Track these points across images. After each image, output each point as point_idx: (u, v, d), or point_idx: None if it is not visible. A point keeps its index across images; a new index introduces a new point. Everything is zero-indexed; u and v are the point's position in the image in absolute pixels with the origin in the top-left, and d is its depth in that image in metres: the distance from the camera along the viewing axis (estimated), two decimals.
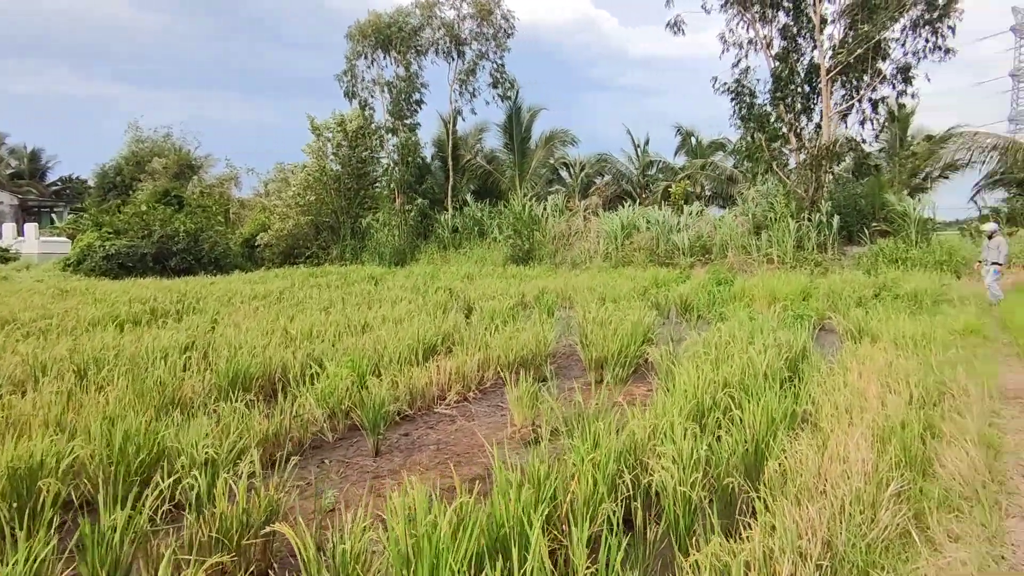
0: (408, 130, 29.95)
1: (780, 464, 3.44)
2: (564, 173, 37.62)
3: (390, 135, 30.34)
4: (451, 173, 29.84)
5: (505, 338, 7.29)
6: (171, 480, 3.07)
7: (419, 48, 29.81)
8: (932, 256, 15.25)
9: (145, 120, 55.13)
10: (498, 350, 6.97)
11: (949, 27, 18.44)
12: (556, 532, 2.93)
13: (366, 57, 31.02)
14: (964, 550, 2.87)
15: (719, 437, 3.72)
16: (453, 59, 29.38)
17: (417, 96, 30.33)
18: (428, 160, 32.58)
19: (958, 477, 3.60)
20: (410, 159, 29.31)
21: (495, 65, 29.20)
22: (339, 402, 5.20)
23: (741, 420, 3.89)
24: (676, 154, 36.20)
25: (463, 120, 31.21)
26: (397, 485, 3.37)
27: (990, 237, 11.81)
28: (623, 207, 23.39)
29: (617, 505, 3.02)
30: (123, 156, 38.47)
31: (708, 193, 32.51)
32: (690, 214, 21.30)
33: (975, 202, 21.98)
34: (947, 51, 18.83)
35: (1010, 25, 74.24)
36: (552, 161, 34.77)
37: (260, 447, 4.03)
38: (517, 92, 29.48)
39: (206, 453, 3.52)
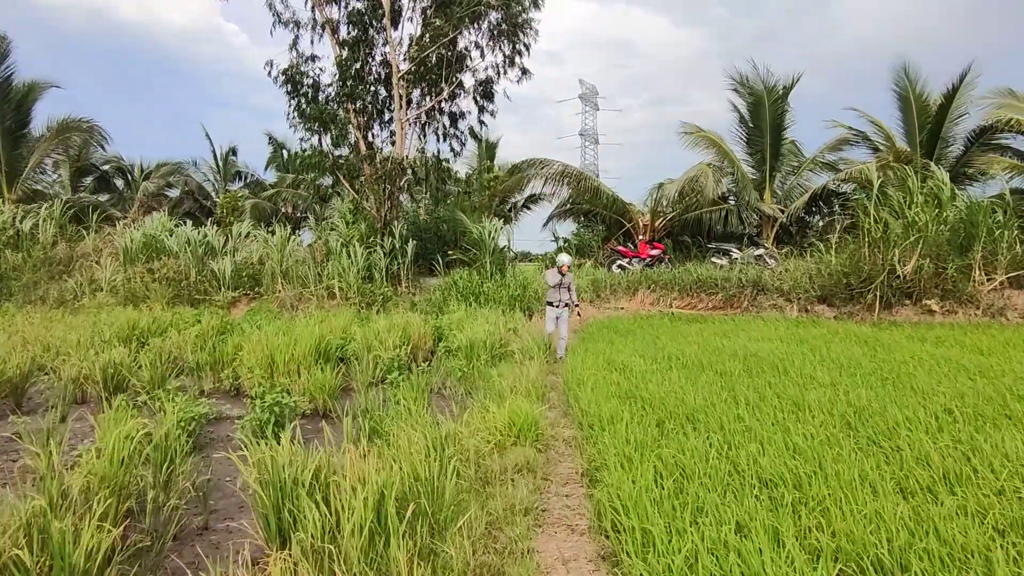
0: None
1: None
2: (120, 181, 29.60)
3: None
4: None
5: None
6: None
7: None
8: (506, 291, 13.09)
9: None
10: None
11: (525, 44, 17.41)
12: None
13: None
14: None
15: None
16: None
17: None
18: None
19: None
20: None
21: None
22: None
23: None
24: (267, 168, 30.93)
25: None
26: None
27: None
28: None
29: None
30: None
31: (300, 215, 27.93)
32: (239, 235, 16.13)
33: (552, 232, 22.05)
34: (524, 71, 17.87)
35: (578, 93, 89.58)
36: (92, 162, 26.58)
37: None
38: (5, 55, 20.25)
39: None
